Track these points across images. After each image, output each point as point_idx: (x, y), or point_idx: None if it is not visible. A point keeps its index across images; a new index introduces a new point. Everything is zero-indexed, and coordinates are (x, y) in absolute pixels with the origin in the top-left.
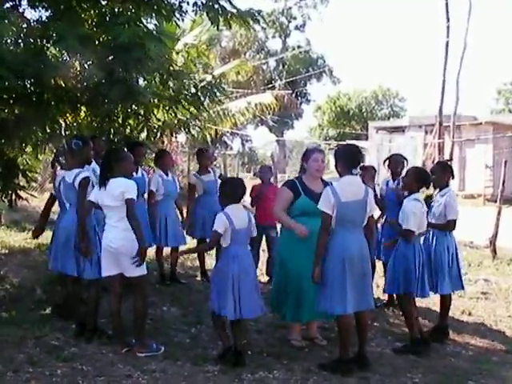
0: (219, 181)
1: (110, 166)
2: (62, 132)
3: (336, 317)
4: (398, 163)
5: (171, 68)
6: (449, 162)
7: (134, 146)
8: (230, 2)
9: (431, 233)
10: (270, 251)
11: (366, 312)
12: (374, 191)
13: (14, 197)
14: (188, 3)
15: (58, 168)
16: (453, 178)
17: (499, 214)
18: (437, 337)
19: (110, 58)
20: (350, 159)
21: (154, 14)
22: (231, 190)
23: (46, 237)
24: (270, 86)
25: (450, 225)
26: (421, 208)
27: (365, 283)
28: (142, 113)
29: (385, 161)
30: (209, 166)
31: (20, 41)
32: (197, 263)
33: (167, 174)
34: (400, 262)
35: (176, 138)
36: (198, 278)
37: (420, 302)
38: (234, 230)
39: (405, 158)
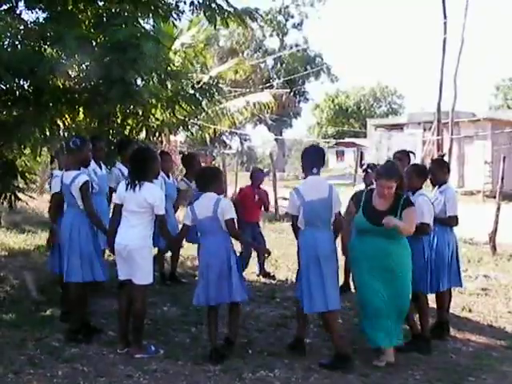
0: None
1: (145, 167)
2: (61, 133)
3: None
4: (402, 160)
5: (169, 68)
6: (443, 157)
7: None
8: (227, 1)
9: (432, 229)
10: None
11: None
12: None
13: (13, 198)
14: (185, 3)
15: (56, 169)
16: (448, 172)
17: (498, 210)
18: (437, 333)
19: (107, 58)
20: (310, 160)
21: (151, 14)
22: (203, 180)
23: (46, 238)
24: (268, 84)
25: (453, 220)
26: (429, 203)
27: (332, 282)
28: (141, 113)
29: None
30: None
31: (17, 42)
32: (196, 263)
33: (169, 177)
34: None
35: (175, 136)
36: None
37: None
38: (196, 221)
39: (410, 152)
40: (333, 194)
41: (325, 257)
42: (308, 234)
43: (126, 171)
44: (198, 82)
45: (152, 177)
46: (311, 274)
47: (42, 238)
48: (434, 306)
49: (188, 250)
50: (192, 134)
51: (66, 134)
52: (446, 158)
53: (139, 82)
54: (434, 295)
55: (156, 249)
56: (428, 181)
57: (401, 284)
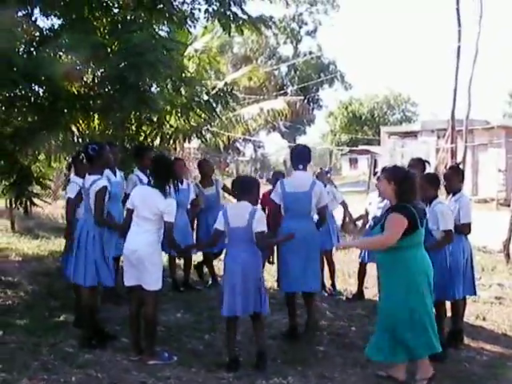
0: (221, 192)
1: (172, 175)
2: (75, 140)
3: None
4: (415, 167)
5: (183, 75)
6: (459, 165)
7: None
8: (242, 9)
9: None
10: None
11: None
12: None
13: (28, 204)
14: (200, 10)
15: (72, 174)
16: (462, 181)
17: None
18: (451, 342)
19: (123, 64)
20: (296, 157)
21: (165, 22)
22: (239, 188)
23: (59, 244)
24: (282, 91)
25: (465, 228)
26: (448, 210)
27: (309, 267)
28: (156, 119)
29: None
30: (210, 176)
31: (32, 49)
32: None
33: (181, 183)
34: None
35: (189, 143)
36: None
37: None
38: (229, 228)
39: (425, 161)
40: (314, 189)
41: (297, 244)
42: (286, 223)
43: (144, 178)
44: (213, 88)
45: (169, 185)
46: (288, 258)
47: (55, 243)
48: (449, 314)
49: (201, 257)
50: (206, 140)
51: (80, 140)
52: (461, 166)
53: (153, 89)
54: (449, 304)
55: (167, 255)
56: (442, 188)
57: (387, 299)
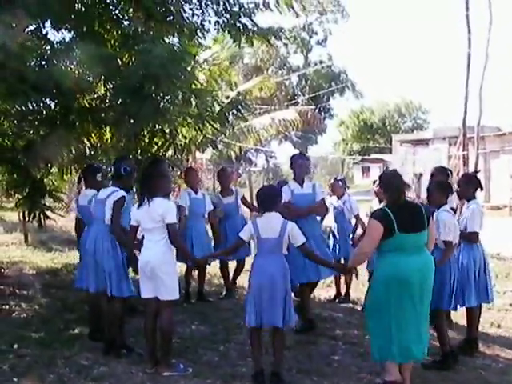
0: (240, 202)
1: (152, 183)
2: (87, 152)
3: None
4: (435, 176)
5: (193, 86)
6: (476, 174)
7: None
8: (252, 20)
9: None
10: None
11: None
12: None
13: (42, 217)
14: (210, 22)
15: (83, 187)
16: (481, 189)
17: None
18: (466, 350)
19: (141, 75)
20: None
21: (176, 34)
22: (262, 198)
23: (73, 256)
24: (293, 101)
25: (471, 236)
26: (453, 219)
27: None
28: (168, 131)
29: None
30: (229, 185)
31: (44, 62)
32: (222, 281)
33: (196, 192)
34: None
35: (203, 153)
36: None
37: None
38: (259, 239)
39: (449, 170)
40: (316, 191)
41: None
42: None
43: None
44: (227, 98)
45: (161, 194)
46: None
47: (69, 256)
48: (464, 322)
49: (215, 267)
50: (220, 150)
51: (92, 153)
52: (476, 175)
53: (165, 100)
54: (464, 312)
55: (182, 266)
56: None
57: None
